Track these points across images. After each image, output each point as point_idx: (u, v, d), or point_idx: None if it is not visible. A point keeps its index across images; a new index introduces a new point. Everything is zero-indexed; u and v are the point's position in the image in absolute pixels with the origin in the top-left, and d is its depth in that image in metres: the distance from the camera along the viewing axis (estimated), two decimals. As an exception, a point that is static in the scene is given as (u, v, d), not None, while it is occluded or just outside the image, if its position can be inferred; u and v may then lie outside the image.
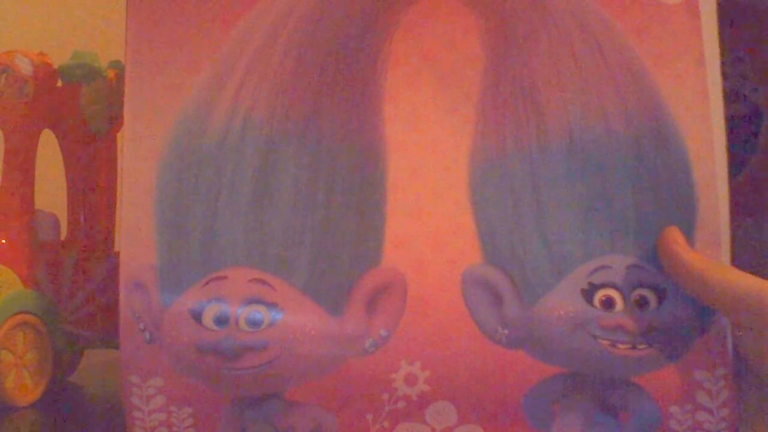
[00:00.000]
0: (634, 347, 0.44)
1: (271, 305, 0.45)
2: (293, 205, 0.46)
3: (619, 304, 0.45)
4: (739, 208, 0.62)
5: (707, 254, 0.45)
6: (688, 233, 0.45)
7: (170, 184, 0.46)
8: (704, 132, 0.46)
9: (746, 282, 0.42)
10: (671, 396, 0.45)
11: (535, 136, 0.46)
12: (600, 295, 0.45)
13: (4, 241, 0.58)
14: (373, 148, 0.46)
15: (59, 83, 0.62)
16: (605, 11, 0.47)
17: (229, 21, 0.47)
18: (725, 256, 0.45)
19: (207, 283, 0.45)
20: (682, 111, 0.46)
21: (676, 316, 0.45)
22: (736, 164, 0.63)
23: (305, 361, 0.44)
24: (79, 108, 0.62)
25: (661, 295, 0.45)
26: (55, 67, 0.62)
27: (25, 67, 0.59)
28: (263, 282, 0.45)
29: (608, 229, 0.45)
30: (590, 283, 0.45)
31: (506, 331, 0.45)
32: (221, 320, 0.45)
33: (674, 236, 0.45)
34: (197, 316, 0.45)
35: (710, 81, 0.46)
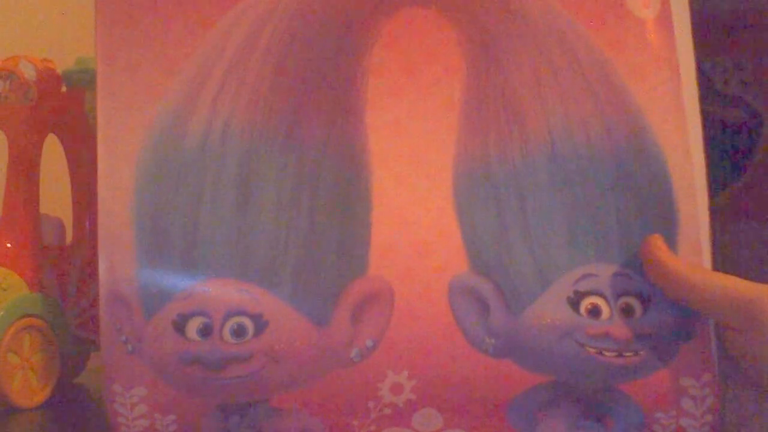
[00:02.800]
0: (620, 355, 0.44)
1: (256, 316, 0.44)
2: (276, 215, 0.45)
3: (606, 312, 0.45)
4: (739, 212, 0.61)
5: (689, 261, 0.45)
6: (670, 241, 0.45)
7: (149, 193, 0.45)
8: (681, 142, 0.46)
9: (730, 284, 0.42)
10: (656, 402, 0.45)
11: (518, 146, 0.46)
12: (586, 303, 0.45)
13: (9, 245, 0.59)
14: (356, 157, 0.46)
15: (63, 88, 0.62)
16: (582, 25, 0.47)
17: (205, 22, 0.47)
18: (707, 263, 0.46)
19: (189, 295, 0.45)
20: (659, 122, 0.46)
21: (661, 323, 0.45)
22: (736, 169, 0.63)
23: (290, 371, 0.44)
24: (83, 113, 0.63)
25: (645, 303, 0.45)
26: (59, 72, 0.62)
27: (29, 72, 0.60)
28: (247, 293, 0.45)
29: (592, 238, 0.45)
30: (576, 291, 0.45)
31: (493, 341, 0.45)
32: (205, 332, 0.44)
33: (657, 244, 0.44)
34: (180, 329, 0.45)
35: (686, 92, 0.46)
